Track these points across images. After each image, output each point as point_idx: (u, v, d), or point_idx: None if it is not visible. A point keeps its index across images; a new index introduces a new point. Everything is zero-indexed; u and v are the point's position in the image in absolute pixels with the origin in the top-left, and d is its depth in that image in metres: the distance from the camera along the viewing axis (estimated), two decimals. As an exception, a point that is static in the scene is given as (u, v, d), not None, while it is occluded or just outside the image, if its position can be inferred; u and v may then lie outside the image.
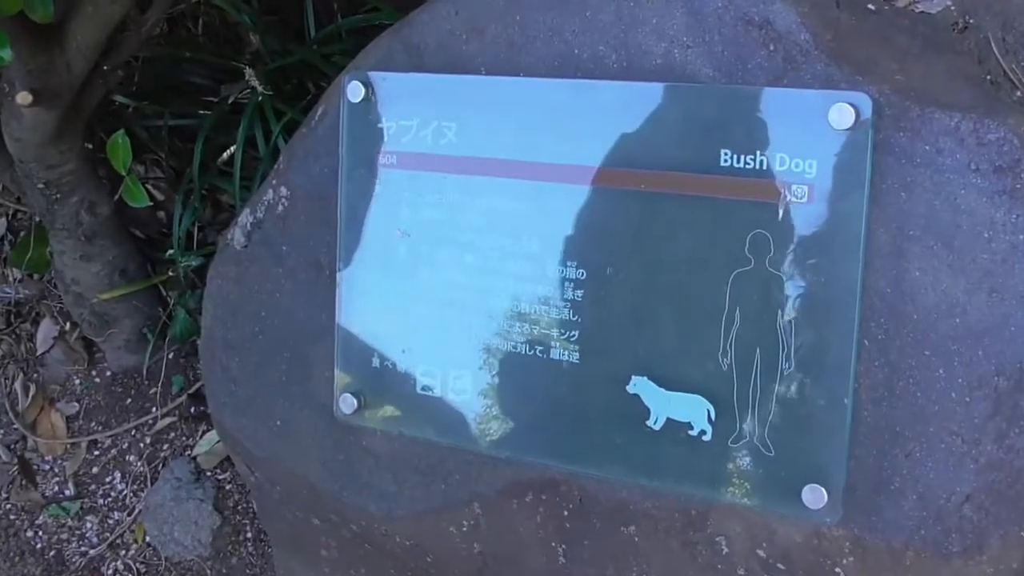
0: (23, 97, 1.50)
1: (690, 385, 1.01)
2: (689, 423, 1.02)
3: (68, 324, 2.17)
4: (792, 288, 0.96)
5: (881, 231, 0.94)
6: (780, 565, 1.01)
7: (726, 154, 0.98)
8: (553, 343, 1.08)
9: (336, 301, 1.20)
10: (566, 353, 1.08)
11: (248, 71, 1.82)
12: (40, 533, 2.09)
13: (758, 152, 0.96)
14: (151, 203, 1.90)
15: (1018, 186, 0.90)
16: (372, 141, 1.16)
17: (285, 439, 1.28)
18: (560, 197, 1.06)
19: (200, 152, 1.87)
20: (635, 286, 1.04)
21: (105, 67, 1.64)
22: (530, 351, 1.10)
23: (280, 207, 1.26)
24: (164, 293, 2.08)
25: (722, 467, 1.01)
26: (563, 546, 1.13)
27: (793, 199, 0.95)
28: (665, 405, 1.03)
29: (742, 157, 0.97)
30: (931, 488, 0.94)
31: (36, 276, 2.21)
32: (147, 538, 2.01)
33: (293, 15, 2.01)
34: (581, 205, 1.06)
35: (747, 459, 0.99)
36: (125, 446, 2.09)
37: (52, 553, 2.06)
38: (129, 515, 2.05)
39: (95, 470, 2.10)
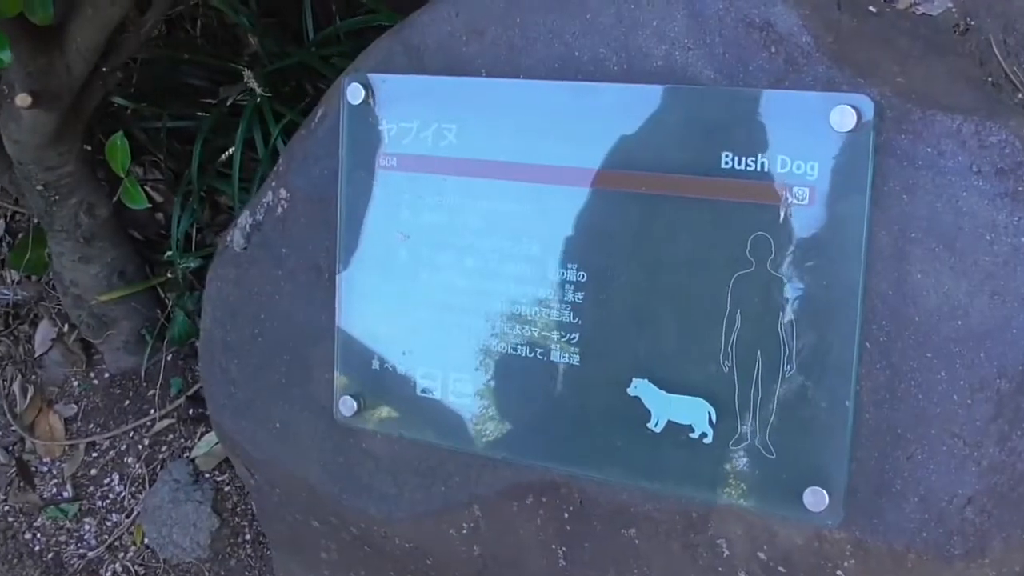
0: (22, 99, 1.50)
1: (691, 387, 1.01)
2: (690, 425, 1.02)
3: (66, 326, 2.17)
4: (793, 290, 0.96)
5: (883, 233, 0.94)
6: (781, 568, 1.01)
7: (727, 156, 0.98)
8: (553, 345, 1.08)
9: (336, 303, 1.20)
10: (566, 355, 1.08)
11: (247, 73, 1.82)
12: (38, 535, 2.08)
13: (759, 154, 0.96)
14: (150, 205, 1.91)
15: (1020, 188, 0.90)
16: (372, 143, 1.16)
17: (285, 441, 1.28)
18: (561, 199, 1.06)
19: (199, 154, 1.87)
20: (636, 288, 1.03)
21: (104, 69, 1.64)
22: (530, 353, 1.10)
23: (279, 209, 1.26)
24: (162, 295, 2.08)
25: (723, 469, 1.00)
26: (563, 548, 1.12)
27: (794, 201, 0.95)
28: (666, 407, 1.03)
29: (743, 159, 0.97)
30: (933, 490, 0.93)
31: (34, 278, 2.21)
32: (145, 540, 2.01)
33: (291, 17, 2.01)
34: (582, 207, 1.05)
35: (748, 461, 0.99)
36: (123, 448, 2.09)
37: (50, 555, 2.06)
38: (127, 517, 2.05)
39: (93, 472, 2.10)
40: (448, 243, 1.13)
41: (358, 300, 1.18)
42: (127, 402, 2.11)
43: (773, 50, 0.98)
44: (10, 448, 2.14)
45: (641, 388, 1.04)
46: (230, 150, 1.86)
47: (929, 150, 0.92)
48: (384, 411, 1.19)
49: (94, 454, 2.10)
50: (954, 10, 1.02)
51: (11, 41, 1.27)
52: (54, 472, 2.12)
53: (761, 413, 0.98)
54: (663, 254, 1.02)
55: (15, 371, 2.18)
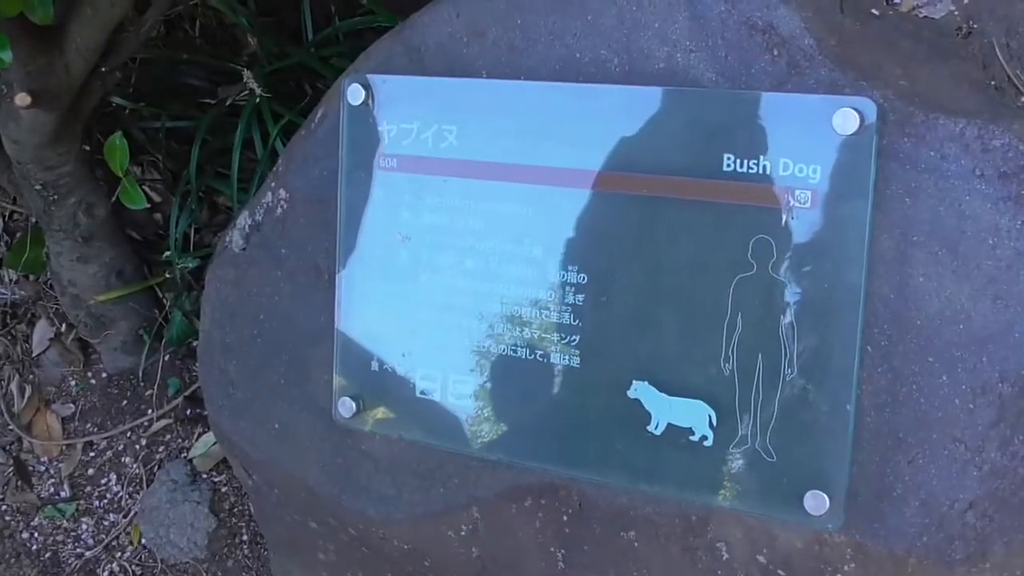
0: (22, 99, 1.49)
1: (691, 390, 1.01)
2: (690, 428, 1.01)
3: (64, 325, 2.17)
4: (794, 293, 0.96)
5: (885, 237, 0.93)
6: (781, 571, 1.01)
7: (729, 159, 0.97)
8: (553, 347, 1.08)
9: (335, 304, 1.19)
10: (566, 357, 1.07)
11: (246, 73, 1.82)
12: (36, 535, 2.08)
13: (761, 157, 0.96)
14: (148, 205, 1.91)
15: (1023, 192, 0.89)
16: (372, 144, 1.15)
17: (283, 442, 1.28)
18: (561, 201, 1.06)
19: (197, 154, 1.87)
20: (637, 290, 1.03)
21: (103, 69, 1.63)
22: (530, 355, 1.09)
23: (279, 210, 1.25)
24: (160, 295, 2.08)
25: (723, 472, 1.00)
26: (562, 551, 1.12)
27: (796, 204, 0.95)
28: (666, 410, 1.02)
29: (745, 162, 0.97)
30: (934, 495, 0.93)
31: (32, 277, 2.20)
32: (143, 540, 2.00)
33: (290, 17, 2.01)
34: (582, 209, 1.05)
35: (748, 464, 0.99)
36: (121, 448, 2.09)
37: (48, 555, 2.06)
38: (125, 517, 2.05)
39: (91, 472, 2.09)
40: (448, 244, 1.12)
41: (358, 301, 1.18)
42: (125, 402, 2.11)
43: (775, 53, 0.98)
44: (7, 447, 2.14)
45: (641, 390, 1.03)
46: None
47: (932, 153, 0.92)
48: (383, 412, 1.19)
49: (91, 454, 2.10)
50: (957, 13, 1.02)
51: (11, 41, 1.27)
52: (51, 472, 2.12)
53: (762, 416, 0.98)
54: (664, 256, 1.02)
55: (13, 370, 2.18)
